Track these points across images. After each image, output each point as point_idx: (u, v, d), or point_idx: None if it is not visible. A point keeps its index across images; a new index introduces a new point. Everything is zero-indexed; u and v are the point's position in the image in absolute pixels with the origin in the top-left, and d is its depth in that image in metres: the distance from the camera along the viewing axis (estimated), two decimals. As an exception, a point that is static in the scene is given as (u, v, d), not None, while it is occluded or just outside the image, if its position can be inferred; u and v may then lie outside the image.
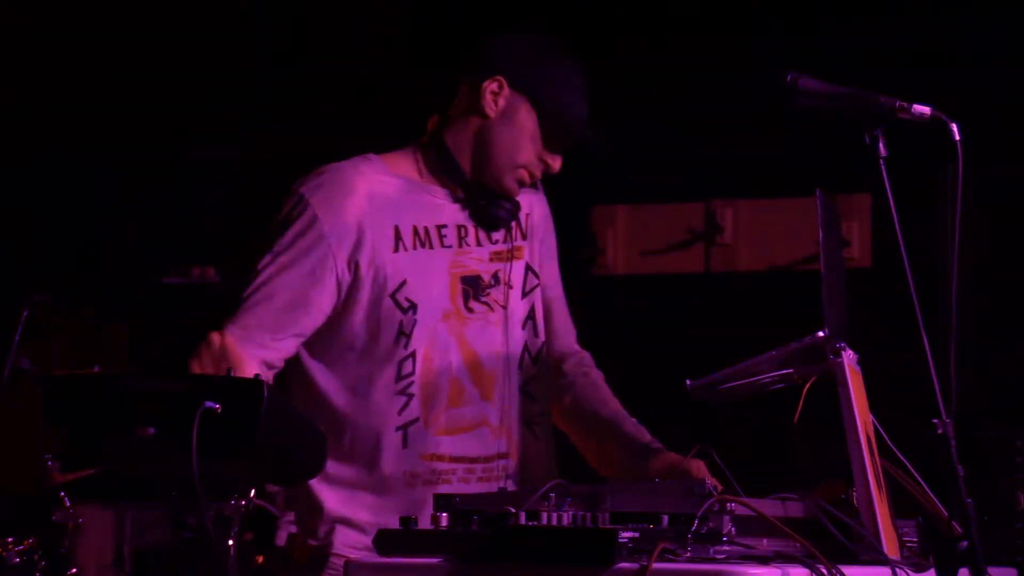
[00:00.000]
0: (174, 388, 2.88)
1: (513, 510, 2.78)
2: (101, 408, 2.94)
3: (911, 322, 2.82)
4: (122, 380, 2.95)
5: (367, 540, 3.39)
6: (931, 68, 5.69)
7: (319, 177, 3.44)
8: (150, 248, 6.98)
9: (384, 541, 2.89)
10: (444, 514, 2.87)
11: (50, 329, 5.67)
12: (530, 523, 2.75)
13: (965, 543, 2.73)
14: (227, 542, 4.52)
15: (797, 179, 5.92)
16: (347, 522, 3.43)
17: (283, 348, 3.39)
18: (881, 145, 2.90)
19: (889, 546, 2.84)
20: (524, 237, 3.61)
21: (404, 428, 3.43)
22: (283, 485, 3.38)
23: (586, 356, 3.73)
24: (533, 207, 3.63)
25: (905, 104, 2.92)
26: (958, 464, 2.77)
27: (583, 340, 3.78)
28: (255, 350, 3.34)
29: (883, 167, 2.89)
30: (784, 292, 6.07)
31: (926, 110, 2.92)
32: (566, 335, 3.71)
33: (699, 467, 3.35)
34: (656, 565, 2.59)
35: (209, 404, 2.82)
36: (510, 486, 3.49)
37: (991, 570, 2.76)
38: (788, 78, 2.97)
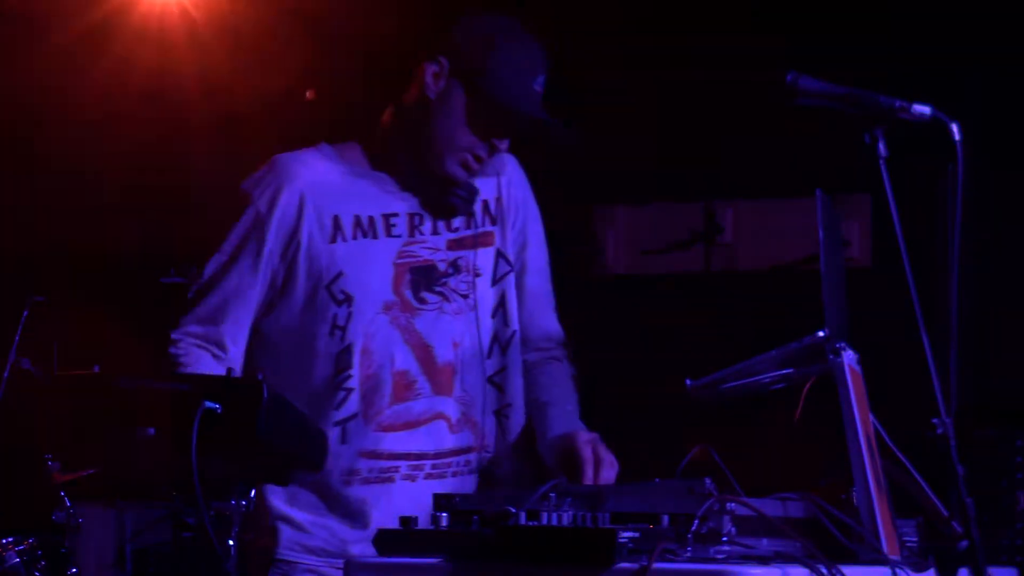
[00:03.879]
0: (174, 388, 2.88)
1: (513, 510, 2.78)
2: (101, 408, 2.94)
3: (911, 322, 2.82)
4: (122, 380, 2.95)
5: (308, 540, 3.37)
6: (931, 68, 5.70)
7: (261, 171, 3.41)
8: (150, 248, 6.98)
9: (384, 541, 2.88)
10: (444, 514, 2.87)
11: (50, 329, 5.67)
12: (530, 523, 2.74)
13: (965, 543, 2.73)
14: (227, 542, 4.53)
15: (797, 179, 5.93)
16: (289, 521, 3.38)
17: (229, 347, 3.37)
18: (881, 145, 2.90)
19: (889, 546, 2.84)
20: (494, 222, 3.51)
21: (342, 424, 3.36)
22: (284, 485, 3.36)
23: (561, 349, 3.61)
24: (504, 190, 3.53)
25: (905, 104, 2.92)
26: (958, 464, 2.77)
27: (584, 340, 3.75)
28: (202, 353, 3.34)
29: (883, 167, 2.89)
30: (784, 292, 6.07)
31: (926, 110, 2.92)
32: (536, 331, 3.58)
33: (590, 437, 3.31)
34: (656, 565, 2.59)
35: (209, 404, 2.82)
36: (472, 481, 3.44)
37: (991, 570, 2.76)
38: (788, 78, 2.97)
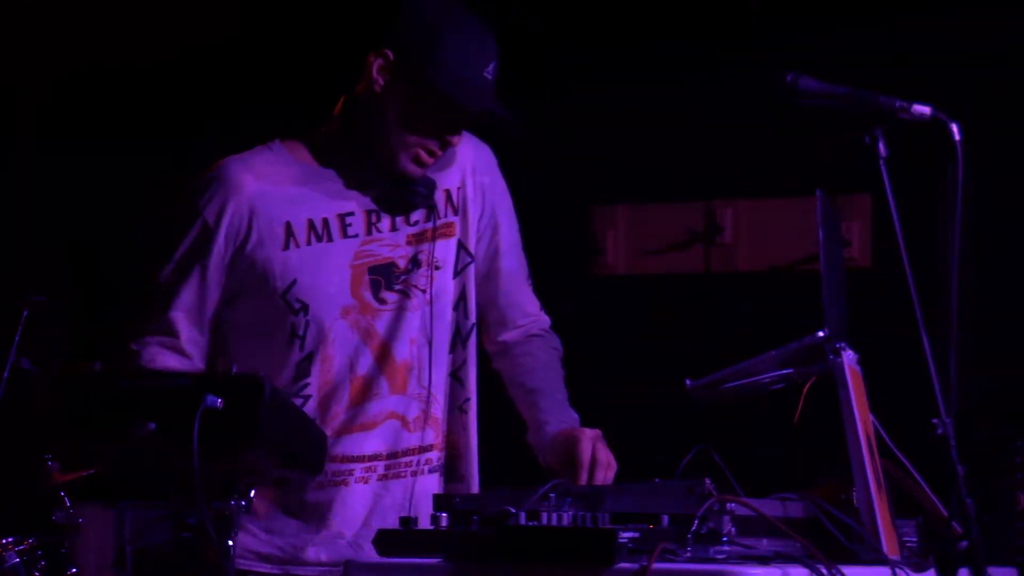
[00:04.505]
0: (175, 386, 2.88)
1: (513, 510, 2.78)
2: (101, 407, 2.94)
3: (911, 322, 2.82)
4: (122, 378, 2.95)
5: (261, 548, 3.31)
6: (931, 68, 5.69)
7: (207, 179, 3.31)
8: (149, 248, 6.97)
9: (384, 541, 2.88)
10: (444, 514, 2.87)
11: (50, 329, 5.66)
12: (530, 523, 2.74)
13: (965, 543, 2.73)
14: (227, 542, 4.53)
15: (797, 179, 5.92)
16: (242, 528, 3.24)
17: (192, 356, 3.32)
18: (881, 145, 2.90)
19: (889, 546, 2.84)
20: (455, 212, 3.41)
21: None
22: (283, 485, 3.35)
23: (538, 321, 3.55)
24: (469, 177, 3.44)
25: (905, 104, 2.92)
26: (958, 464, 2.77)
27: (584, 339, 3.75)
28: (168, 356, 3.29)
29: (883, 167, 2.89)
30: (784, 292, 6.07)
31: (926, 110, 2.92)
32: (514, 310, 3.51)
33: (592, 435, 3.27)
34: (656, 565, 2.59)
35: (210, 401, 2.82)
36: (433, 481, 3.38)
37: (991, 570, 2.76)
38: (788, 78, 2.97)
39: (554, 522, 2.75)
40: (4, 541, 5.29)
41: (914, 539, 2.98)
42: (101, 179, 6.92)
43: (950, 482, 2.76)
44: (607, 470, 3.26)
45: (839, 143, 3.36)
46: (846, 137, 2.96)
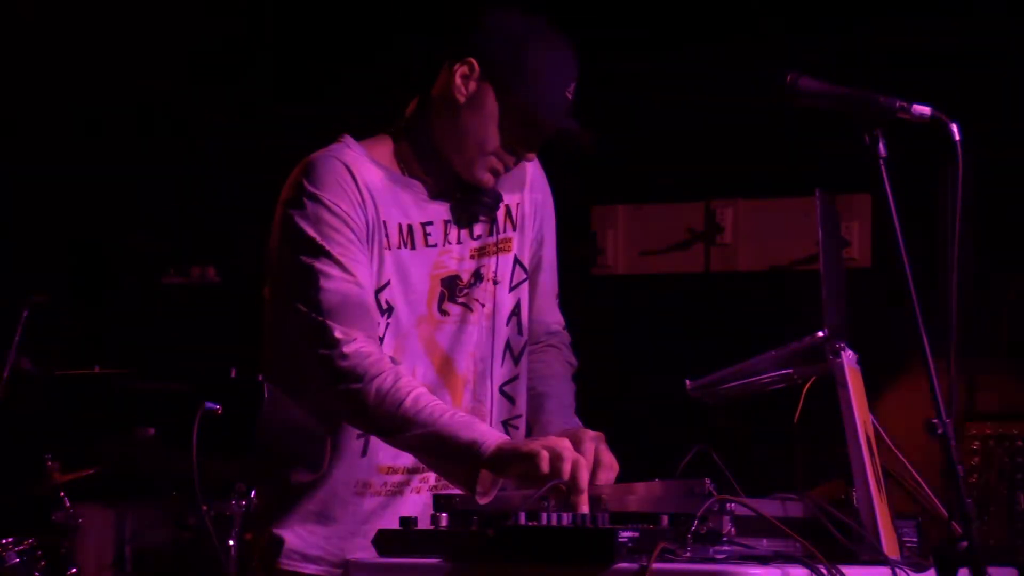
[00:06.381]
0: (174, 388, 2.89)
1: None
2: (101, 408, 2.94)
3: (911, 322, 2.82)
4: (122, 380, 2.95)
5: (308, 550, 3.27)
6: (931, 68, 5.70)
7: (317, 171, 3.22)
8: (150, 248, 6.98)
9: (384, 541, 2.89)
10: (444, 514, 2.87)
11: (50, 329, 5.67)
12: (530, 523, 2.74)
13: (965, 543, 2.73)
14: (227, 542, 4.54)
15: (797, 179, 5.93)
16: (291, 529, 3.27)
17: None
18: (881, 145, 2.90)
19: (889, 546, 2.84)
20: (514, 228, 3.40)
21: (365, 436, 3.24)
22: (284, 485, 3.35)
23: (558, 335, 3.54)
24: (528, 194, 3.42)
25: (905, 104, 2.92)
26: (958, 464, 2.77)
27: (583, 340, 3.75)
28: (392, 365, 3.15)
29: (883, 167, 2.89)
30: (784, 292, 6.08)
31: (926, 110, 2.92)
32: (539, 326, 3.49)
33: (594, 436, 3.20)
34: (656, 565, 2.59)
35: (209, 404, 2.82)
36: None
37: (991, 570, 2.76)
38: (788, 78, 2.97)
39: (554, 522, 2.75)
40: (4, 541, 5.30)
41: (914, 539, 2.98)
42: (101, 179, 6.93)
43: (950, 482, 2.76)
44: (609, 471, 3.25)
45: (839, 143, 3.36)
46: (846, 137, 2.96)
